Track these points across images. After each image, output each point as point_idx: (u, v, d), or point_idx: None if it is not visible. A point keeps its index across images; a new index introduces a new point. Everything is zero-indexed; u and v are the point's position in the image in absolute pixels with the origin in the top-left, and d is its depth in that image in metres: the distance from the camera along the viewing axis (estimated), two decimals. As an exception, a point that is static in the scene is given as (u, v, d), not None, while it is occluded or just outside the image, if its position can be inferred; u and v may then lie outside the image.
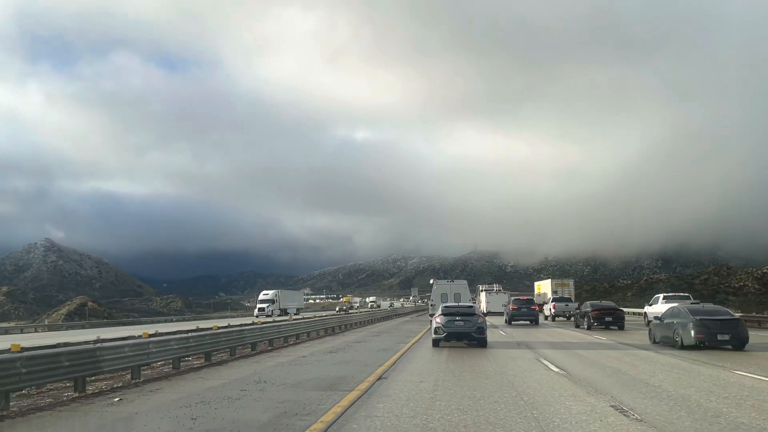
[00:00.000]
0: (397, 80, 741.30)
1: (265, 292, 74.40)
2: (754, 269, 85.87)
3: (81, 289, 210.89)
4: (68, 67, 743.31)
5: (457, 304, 24.61)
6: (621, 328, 30.45)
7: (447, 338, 19.79)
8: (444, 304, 22.54)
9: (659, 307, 31.95)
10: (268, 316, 62.98)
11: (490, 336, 21.92)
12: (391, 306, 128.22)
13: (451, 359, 16.30)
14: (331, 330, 31.23)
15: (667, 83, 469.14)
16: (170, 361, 14.65)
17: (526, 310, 38.39)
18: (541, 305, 49.78)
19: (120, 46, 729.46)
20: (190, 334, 16.39)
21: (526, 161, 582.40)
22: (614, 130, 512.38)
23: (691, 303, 25.69)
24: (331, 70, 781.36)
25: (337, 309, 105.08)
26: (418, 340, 24.73)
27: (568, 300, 46.84)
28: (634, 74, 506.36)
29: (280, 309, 70.35)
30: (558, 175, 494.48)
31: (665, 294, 37.32)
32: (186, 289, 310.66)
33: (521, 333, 28.92)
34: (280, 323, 24.93)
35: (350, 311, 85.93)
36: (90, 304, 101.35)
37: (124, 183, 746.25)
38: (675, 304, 22.31)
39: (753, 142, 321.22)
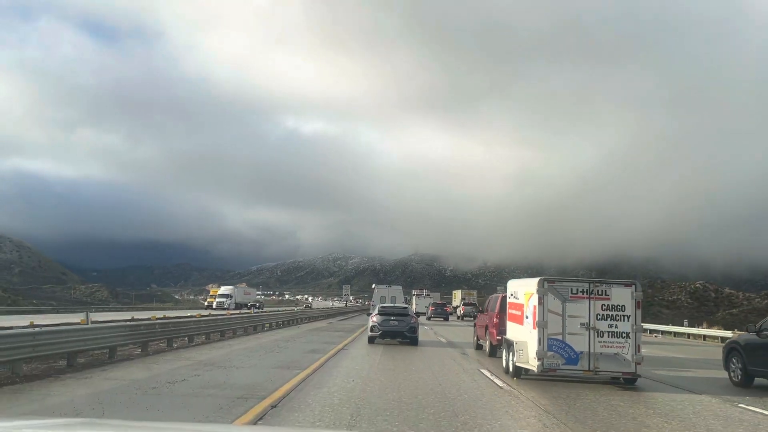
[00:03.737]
0: (353, 69, 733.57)
1: None
2: (687, 283, 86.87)
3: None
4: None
5: (392, 305, 27.48)
6: None
7: (382, 336, 21.79)
8: (381, 305, 25.77)
9: None
10: None
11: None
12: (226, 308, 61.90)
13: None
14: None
15: (626, 94, 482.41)
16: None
17: (440, 310, 54.37)
18: (456, 308, 69.35)
19: (48, 11, 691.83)
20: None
21: (481, 163, 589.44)
22: (571, 137, 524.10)
23: None
24: (282, 52, 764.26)
25: (210, 304, 69.04)
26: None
27: (474, 305, 61.01)
28: (596, 82, 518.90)
29: None
30: (510, 178, 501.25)
31: None
32: (117, 279, 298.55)
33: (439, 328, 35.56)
34: None
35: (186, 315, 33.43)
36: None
37: (51, 162, 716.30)
38: None
39: (703, 156, 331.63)
